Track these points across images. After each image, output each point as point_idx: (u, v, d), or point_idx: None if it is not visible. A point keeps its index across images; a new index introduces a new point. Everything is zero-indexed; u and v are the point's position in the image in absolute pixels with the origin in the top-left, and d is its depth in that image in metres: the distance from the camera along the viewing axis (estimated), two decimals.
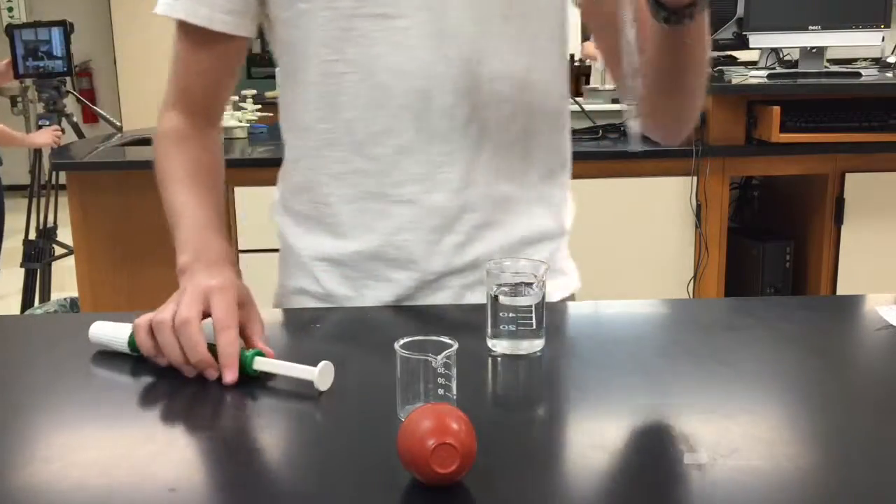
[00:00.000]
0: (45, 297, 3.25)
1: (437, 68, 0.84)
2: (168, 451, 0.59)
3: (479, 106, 0.85)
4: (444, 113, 0.85)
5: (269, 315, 0.92)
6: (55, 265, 3.47)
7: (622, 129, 2.54)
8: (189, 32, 0.89)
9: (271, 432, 0.63)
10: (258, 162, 2.25)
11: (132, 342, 0.76)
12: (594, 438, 0.61)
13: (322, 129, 0.87)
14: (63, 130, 3.26)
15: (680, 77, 0.83)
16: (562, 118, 0.94)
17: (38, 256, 3.25)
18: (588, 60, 3.36)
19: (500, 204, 0.89)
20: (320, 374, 0.67)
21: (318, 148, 0.88)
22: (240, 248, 2.26)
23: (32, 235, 3.33)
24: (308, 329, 0.87)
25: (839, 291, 2.40)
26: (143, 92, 6.31)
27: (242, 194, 2.23)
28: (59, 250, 3.42)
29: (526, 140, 0.89)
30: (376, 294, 0.89)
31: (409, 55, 0.83)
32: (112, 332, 0.77)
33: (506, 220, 0.90)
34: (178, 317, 0.71)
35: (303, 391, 0.68)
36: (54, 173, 3.30)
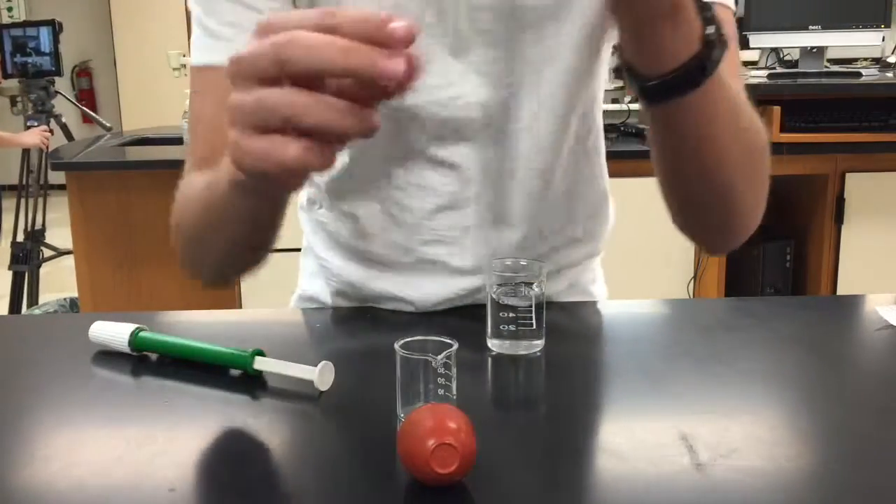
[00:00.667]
0: (34, 300, 3.24)
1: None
2: (168, 451, 0.59)
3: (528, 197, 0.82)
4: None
5: (269, 315, 0.92)
6: (55, 265, 3.47)
7: (622, 128, 2.54)
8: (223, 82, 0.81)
9: (271, 432, 0.63)
10: None
11: (133, 342, 0.76)
12: (594, 438, 0.61)
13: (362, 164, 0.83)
14: (52, 131, 3.25)
15: (699, 164, 0.60)
16: (599, 135, 0.91)
17: (25, 259, 3.24)
18: None
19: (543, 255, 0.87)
20: (320, 374, 0.67)
21: (353, 178, 0.84)
22: None
23: (21, 237, 3.32)
24: (308, 329, 0.87)
25: (839, 291, 2.40)
26: (143, 92, 6.32)
27: None
28: (47, 253, 3.41)
29: (570, 201, 0.86)
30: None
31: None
32: (112, 332, 0.77)
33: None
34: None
35: (303, 391, 0.68)
36: (43, 175, 3.29)
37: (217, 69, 0.73)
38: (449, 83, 0.76)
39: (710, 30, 0.52)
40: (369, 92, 0.42)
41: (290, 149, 0.42)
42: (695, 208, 0.64)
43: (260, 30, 0.42)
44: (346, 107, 0.41)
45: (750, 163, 0.60)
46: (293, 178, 0.45)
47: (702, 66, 0.52)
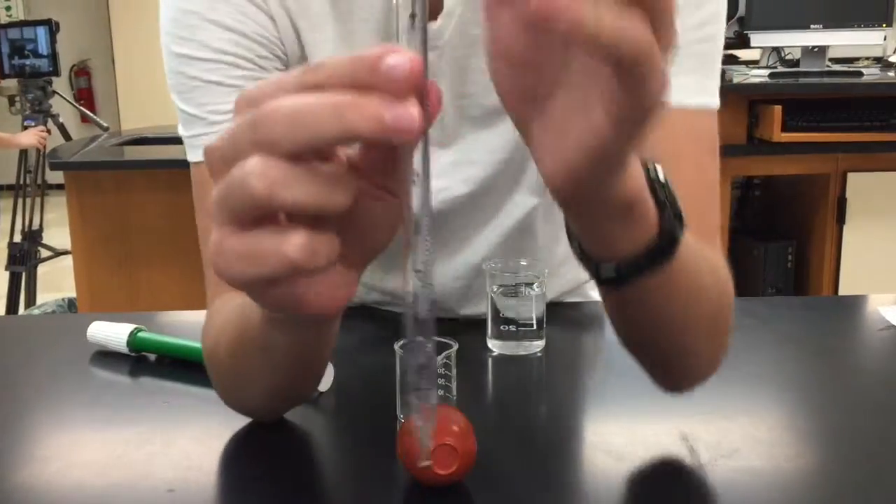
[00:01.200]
0: (31, 300, 3.23)
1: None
2: (166, 452, 0.59)
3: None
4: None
5: None
6: (53, 266, 3.47)
7: None
8: None
9: (270, 433, 0.62)
10: None
11: (131, 342, 0.76)
12: (594, 439, 0.61)
13: None
14: (49, 131, 3.25)
15: (650, 332, 0.55)
16: None
17: (22, 259, 3.24)
18: None
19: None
20: None
21: None
22: None
23: (18, 238, 3.31)
24: None
25: (841, 291, 2.39)
26: (142, 91, 6.33)
27: None
28: (45, 253, 3.41)
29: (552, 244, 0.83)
30: None
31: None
32: (111, 333, 0.77)
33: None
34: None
35: None
36: (41, 175, 3.29)
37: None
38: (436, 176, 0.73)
39: (668, 217, 0.46)
40: (384, 151, 0.34)
41: (277, 242, 0.32)
42: (647, 362, 0.59)
43: (237, 106, 0.33)
44: (338, 173, 0.32)
45: (711, 325, 0.56)
46: (306, 288, 0.35)
47: (660, 251, 0.46)
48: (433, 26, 0.65)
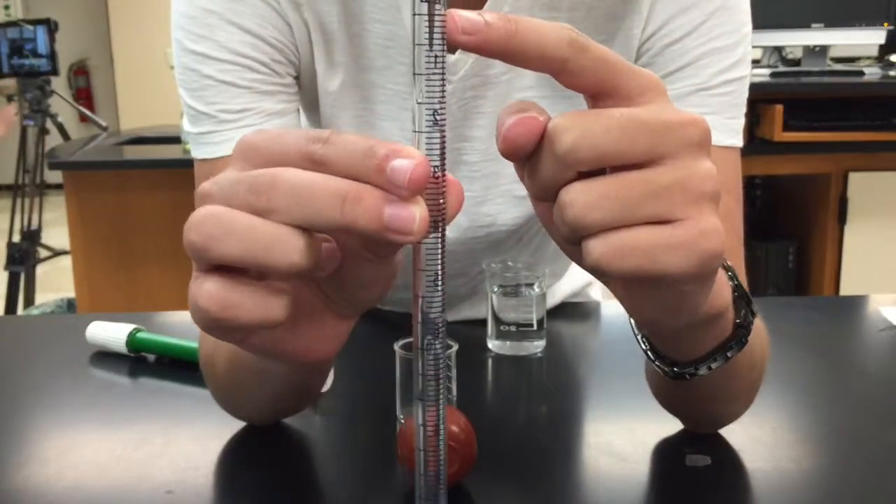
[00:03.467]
0: (30, 300, 3.23)
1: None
2: (165, 453, 0.58)
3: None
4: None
5: None
6: (52, 266, 3.47)
7: None
8: None
9: (269, 434, 0.62)
10: None
11: (130, 342, 0.75)
12: (595, 439, 0.60)
13: None
14: (48, 131, 3.25)
15: (699, 408, 0.59)
16: None
17: (21, 259, 3.24)
18: None
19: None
20: None
21: None
22: None
23: (17, 238, 3.31)
24: None
25: (842, 291, 2.39)
26: (141, 91, 6.33)
27: None
28: (44, 253, 3.40)
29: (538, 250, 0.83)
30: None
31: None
32: (110, 333, 0.77)
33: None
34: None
35: None
36: (39, 175, 3.28)
37: (221, 162, 0.65)
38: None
39: (744, 314, 0.47)
40: (372, 248, 0.34)
41: (207, 289, 0.33)
42: (681, 416, 0.61)
43: (238, 150, 0.33)
44: (283, 233, 0.31)
45: (751, 392, 0.58)
46: (292, 339, 0.37)
47: (734, 345, 0.48)
48: (450, 59, 0.64)
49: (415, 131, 0.31)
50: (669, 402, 0.60)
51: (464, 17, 0.31)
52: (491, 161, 0.70)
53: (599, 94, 0.33)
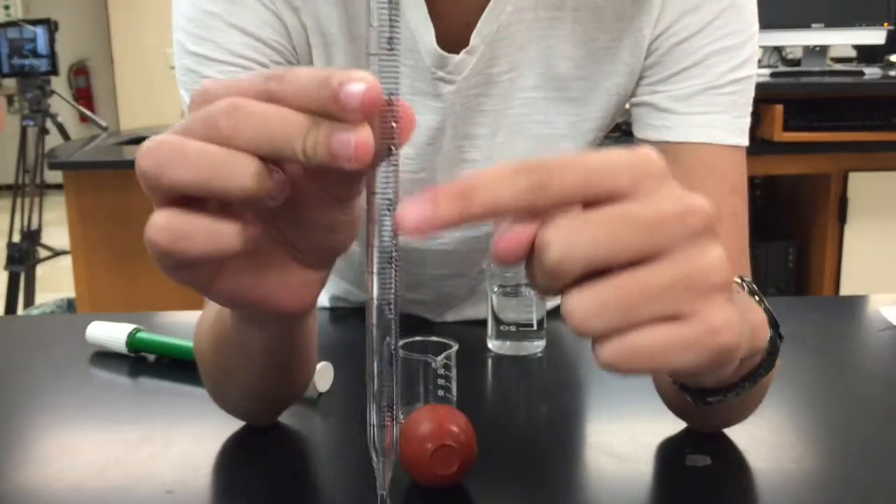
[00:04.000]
0: (30, 300, 3.23)
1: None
2: (165, 453, 0.58)
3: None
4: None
5: None
6: (52, 266, 3.46)
7: (623, 128, 2.53)
8: None
9: (269, 434, 0.62)
10: None
11: (130, 342, 0.75)
12: (595, 440, 0.60)
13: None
14: (48, 131, 3.24)
15: (711, 422, 0.60)
16: None
17: (21, 259, 3.24)
18: None
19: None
20: (320, 375, 0.67)
21: None
22: None
23: (17, 237, 3.31)
24: None
25: (842, 292, 2.39)
26: (141, 91, 6.32)
27: None
28: (43, 253, 3.40)
29: None
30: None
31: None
32: (110, 333, 0.76)
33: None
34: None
35: None
36: (39, 175, 3.28)
37: None
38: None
39: (774, 340, 0.49)
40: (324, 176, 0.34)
41: (161, 219, 0.32)
42: (691, 422, 0.62)
43: (196, 99, 0.33)
44: (228, 156, 0.31)
45: (758, 402, 0.59)
46: (254, 283, 0.37)
47: (763, 371, 0.49)
48: (455, 59, 0.64)
49: (369, 54, 0.31)
50: (679, 411, 0.61)
51: (412, 214, 0.30)
52: (491, 160, 0.70)
53: (590, 203, 0.31)
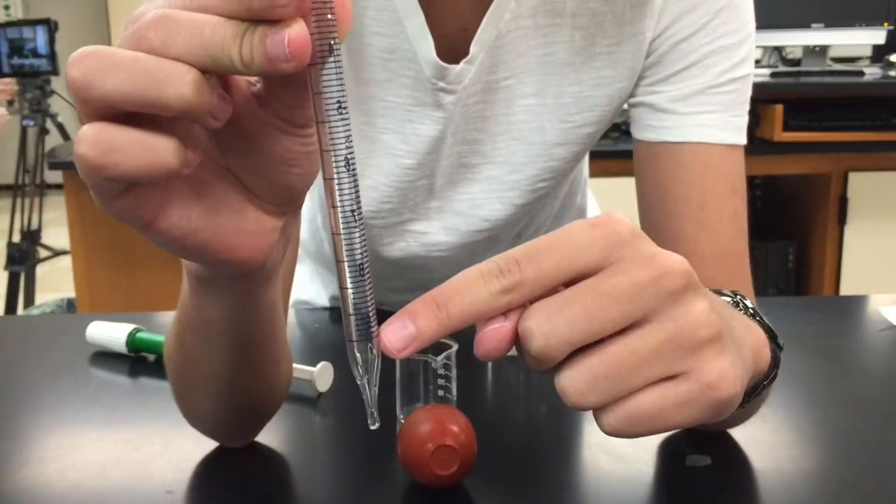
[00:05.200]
0: (30, 300, 3.23)
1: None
2: (165, 453, 0.58)
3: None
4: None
5: None
6: (52, 266, 3.46)
7: (623, 128, 2.53)
8: None
9: (270, 433, 0.62)
10: None
11: (130, 342, 0.75)
12: (595, 440, 0.60)
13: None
14: (48, 131, 3.25)
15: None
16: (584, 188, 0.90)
17: (21, 259, 3.24)
18: None
19: None
20: (319, 375, 0.67)
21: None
22: None
23: (17, 238, 3.31)
24: (308, 329, 0.87)
25: (842, 292, 2.39)
26: None
27: None
28: (44, 253, 3.40)
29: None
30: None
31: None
32: (110, 333, 0.76)
33: None
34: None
35: (302, 391, 0.67)
36: (39, 175, 3.28)
37: None
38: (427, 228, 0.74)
39: (775, 352, 0.49)
40: (285, 81, 0.32)
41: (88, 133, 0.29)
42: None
43: (127, 24, 0.31)
44: (167, 67, 0.28)
45: (760, 406, 0.59)
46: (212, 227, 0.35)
47: (766, 384, 0.48)
48: (455, 69, 0.64)
49: None
50: None
51: (393, 335, 0.32)
52: (491, 164, 0.70)
53: (567, 284, 0.32)
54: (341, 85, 0.30)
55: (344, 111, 0.30)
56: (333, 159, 0.30)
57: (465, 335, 0.66)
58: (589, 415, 0.66)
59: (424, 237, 0.74)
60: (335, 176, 0.31)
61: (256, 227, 0.36)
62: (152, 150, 0.29)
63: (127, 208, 0.32)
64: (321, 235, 0.85)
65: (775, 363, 0.47)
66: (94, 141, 0.29)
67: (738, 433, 0.60)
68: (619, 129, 2.52)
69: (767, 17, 2.42)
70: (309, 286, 0.94)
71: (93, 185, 0.31)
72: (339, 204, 0.31)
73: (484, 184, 0.72)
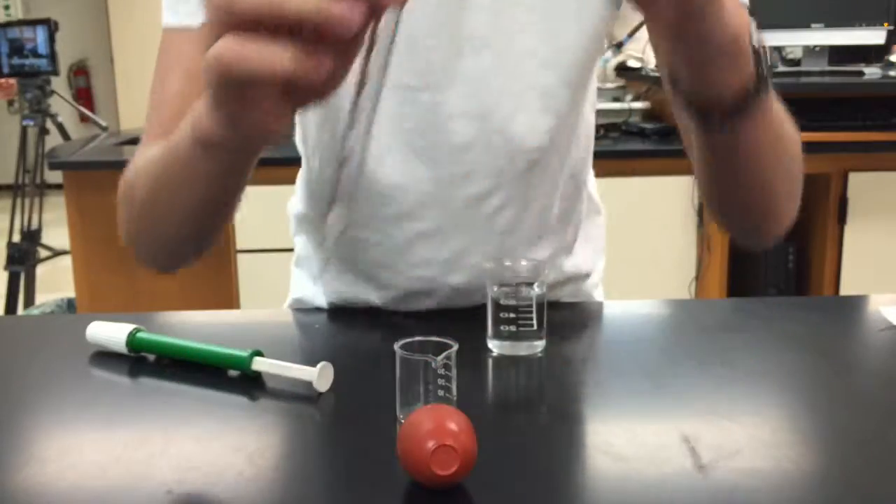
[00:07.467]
0: (30, 300, 3.23)
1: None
2: (165, 453, 0.58)
3: (511, 193, 0.80)
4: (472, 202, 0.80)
5: (268, 316, 0.91)
6: (52, 266, 3.46)
7: (623, 128, 2.53)
8: (195, 52, 0.74)
9: (270, 433, 0.62)
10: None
11: (130, 342, 0.75)
12: (595, 440, 0.60)
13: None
14: (48, 131, 3.25)
15: (744, 179, 0.65)
16: (588, 164, 0.90)
17: (21, 259, 3.24)
18: None
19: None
20: (320, 375, 0.67)
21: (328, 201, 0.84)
22: (238, 248, 2.26)
23: (17, 238, 3.31)
24: (308, 329, 0.87)
25: (842, 292, 2.39)
26: (141, 91, 6.29)
27: None
28: (44, 253, 3.40)
29: (554, 206, 0.85)
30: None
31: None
32: (110, 333, 0.77)
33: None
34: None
35: (302, 391, 0.68)
36: (39, 175, 3.28)
37: (191, 34, 0.72)
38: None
39: (762, 59, 0.56)
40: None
41: (275, 53, 0.38)
42: (736, 209, 0.68)
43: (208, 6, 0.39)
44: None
45: (788, 169, 0.65)
46: (281, 101, 0.42)
47: (758, 89, 0.57)
48: None
49: None
50: (715, 187, 0.67)
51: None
52: (499, 34, 0.73)
53: None
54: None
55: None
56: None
57: (464, 335, 0.66)
58: (589, 416, 0.66)
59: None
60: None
61: (281, 112, 0.43)
62: (275, 56, 0.37)
63: (231, 92, 0.41)
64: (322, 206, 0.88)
65: (762, 76, 0.55)
66: (230, 46, 0.38)
67: (738, 433, 0.60)
68: (619, 129, 2.53)
69: (767, 17, 2.42)
70: (307, 285, 0.94)
71: (217, 78, 0.39)
72: None
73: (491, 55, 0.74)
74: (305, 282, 0.94)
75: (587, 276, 0.95)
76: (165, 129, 0.64)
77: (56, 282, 3.72)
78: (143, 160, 0.66)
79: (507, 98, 0.76)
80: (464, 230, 0.81)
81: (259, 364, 0.70)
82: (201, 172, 0.56)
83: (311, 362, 0.68)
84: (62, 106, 3.34)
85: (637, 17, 0.75)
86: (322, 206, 0.87)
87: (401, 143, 0.77)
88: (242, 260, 2.24)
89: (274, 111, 0.41)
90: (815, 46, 2.52)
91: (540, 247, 0.85)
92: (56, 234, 3.49)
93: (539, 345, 0.75)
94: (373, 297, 0.85)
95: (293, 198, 0.94)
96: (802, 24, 2.44)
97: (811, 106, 2.31)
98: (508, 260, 0.77)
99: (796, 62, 2.65)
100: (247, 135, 0.45)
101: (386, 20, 0.39)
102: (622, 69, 2.72)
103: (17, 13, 6.40)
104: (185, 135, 0.54)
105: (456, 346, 0.60)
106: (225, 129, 0.46)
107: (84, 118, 3.97)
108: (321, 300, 0.92)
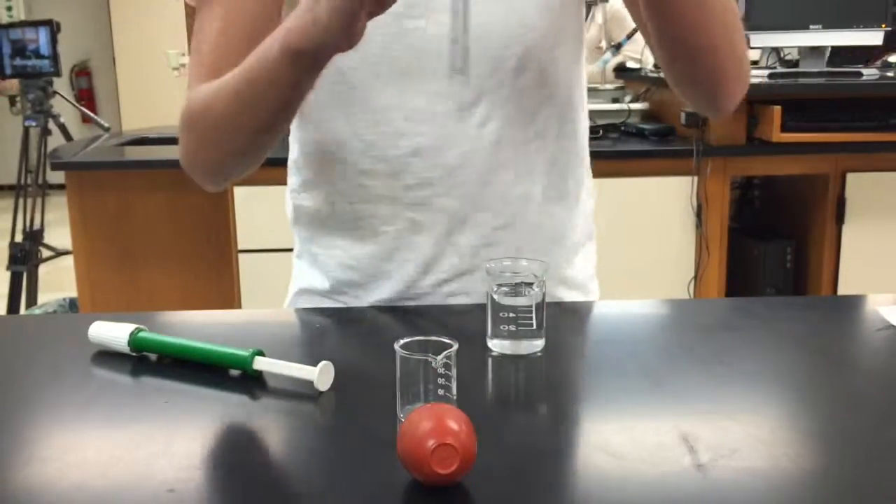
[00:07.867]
0: (32, 300, 3.23)
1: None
2: (167, 452, 0.59)
3: (496, 100, 0.84)
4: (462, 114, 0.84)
5: (269, 315, 0.92)
6: (55, 266, 3.46)
7: (622, 128, 2.54)
8: None
9: (271, 432, 0.62)
10: None
11: (132, 342, 0.76)
12: (594, 439, 0.61)
13: (331, 128, 0.87)
14: (50, 132, 3.25)
15: (689, 40, 0.75)
16: (575, 107, 0.92)
17: (23, 259, 3.24)
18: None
19: (514, 203, 0.88)
20: (320, 374, 0.67)
21: (326, 144, 0.88)
22: (239, 248, 2.26)
23: (20, 237, 3.31)
24: (308, 329, 0.87)
25: (840, 291, 2.39)
26: (143, 91, 6.32)
27: (241, 194, 2.23)
28: (46, 253, 3.40)
29: (543, 136, 0.88)
30: (388, 286, 0.89)
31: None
32: (112, 332, 0.77)
33: (522, 220, 0.89)
34: None
35: (303, 391, 0.68)
36: (42, 175, 3.28)
37: None
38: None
39: None
40: None
41: None
42: (688, 66, 0.77)
43: None
44: None
45: (730, 31, 0.76)
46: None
47: None
48: None
49: None
50: (670, 57, 0.77)
51: None
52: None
53: None
54: None
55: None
56: None
57: (464, 335, 0.67)
58: (588, 415, 0.66)
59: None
60: None
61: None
62: None
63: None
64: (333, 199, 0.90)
65: None
66: None
67: (737, 432, 0.60)
68: (618, 129, 2.53)
69: (766, 19, 2.42)
70: (309, 272, 0.94)
71: None
72: None
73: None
74: (307, 269, 0.95)
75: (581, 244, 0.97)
76: (211, 64, 0.77)
77: (58, 282, 3.72)
78: (212, 88, 0.75)
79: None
80: (453, 143, 0.84)
81: (260, 363, 0.70)
82: (285, 79, 0.68)
83: (312, 362, 0.68)
84: (64, 107, 3.35)
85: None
86: (319, 140, 0.90)
87: (390, 64, 0.83)
88: (244, 260, 2.25)
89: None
90: (813, 47, 2.52)
91: (532, 182, 0.89)
92: (58, 234, 3.50)
93: (539, 344, 0.75)
94: (369, 248, 0.88)
95: (287, 188, 0.95)
96: (801, 25, 2.44)
97: (810, 106, 2.31)
98: (508, 260, 0.78)
99: (794, 63, 2.66)
100: (334, 34, 0.60)
101: None
102: (621, 70, 2.72)
103: (20, 14, 6.40)
104: (272, 50, 0.67)
105: (456, 346, 0.61)
106: (317, 31, 0.61)
107: (86, 119, 3.97)
108: (322, 282, 0.92)
